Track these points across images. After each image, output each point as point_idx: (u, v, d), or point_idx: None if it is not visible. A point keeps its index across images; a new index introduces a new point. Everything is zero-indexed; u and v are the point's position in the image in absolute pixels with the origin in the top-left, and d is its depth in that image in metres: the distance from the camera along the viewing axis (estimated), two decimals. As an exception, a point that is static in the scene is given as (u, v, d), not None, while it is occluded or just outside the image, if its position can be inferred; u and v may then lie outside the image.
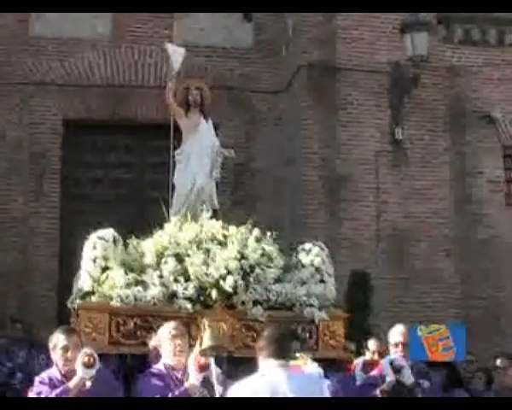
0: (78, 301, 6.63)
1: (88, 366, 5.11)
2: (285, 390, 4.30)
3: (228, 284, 6.53)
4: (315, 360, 5.89)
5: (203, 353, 5.48)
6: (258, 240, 6.94)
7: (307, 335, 6.71)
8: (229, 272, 6.58)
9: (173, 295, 6.53)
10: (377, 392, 5.85)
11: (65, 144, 12.12)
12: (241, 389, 4.40)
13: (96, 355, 5.16)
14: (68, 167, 12.14)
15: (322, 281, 7.11)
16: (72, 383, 5.12)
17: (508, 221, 11.77)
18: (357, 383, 6.37)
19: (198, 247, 6.78)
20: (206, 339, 5.84)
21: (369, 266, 10.85)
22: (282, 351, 4.50)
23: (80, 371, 5.11)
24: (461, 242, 11.58)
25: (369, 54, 11.72)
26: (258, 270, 6.68)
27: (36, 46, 12.19)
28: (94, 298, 6.55)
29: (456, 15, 12.08)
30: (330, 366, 6.42)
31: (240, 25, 12.73)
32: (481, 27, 12.23)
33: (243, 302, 6.62)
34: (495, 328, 11.15)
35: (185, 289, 6.52)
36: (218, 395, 5.24)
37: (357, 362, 6.77)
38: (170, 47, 8.35)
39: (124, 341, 6.44)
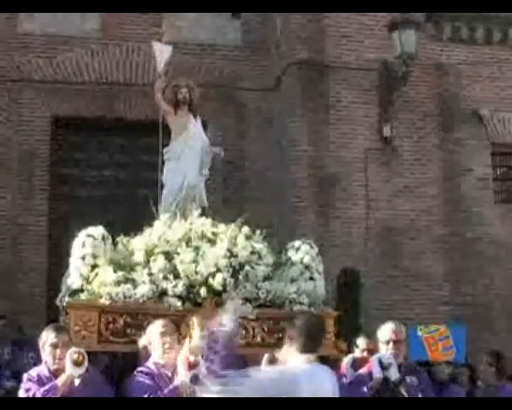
0: (67, 298, 6.61)
1: (77, 364, 5.11)
2: (305, 382, 4.28)
3: (217, 282, 6.50)
4: None
5: (193, 351, 5.48)
6: (247, 238, 6.91)
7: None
8: (218, 270, 6.55)
9: (163, 293, 6.49)
10: (365, 389, 5.87)
11: (54, 142, 12.08)
12: (263, 374, 4.46)
13: (85, 354, 5.16)
14: (57, 166, 12.09)
15: (311, 279, 7.07)
16: (60, 381, 5.12)
17: (497, 219, 11.81)
18: (347, 380, 6.38)
19: (187, 245, 6.77)
20: (196, 338, 5.83)
21: (360, 264, 10.86)
22: (312, 346, 4.49)
23: (69, 369, 5.10)
24: (451, 239, 11.60)
25: (358, 51, 11.74)
26: (247, 267, 6.66)
27: (24, 43, 12.11)
28: (83, 296, 6.51)
29: (444, 13, 12.11)
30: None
31: (229, 22, 12.72)
32: (469, 25, 12.28)
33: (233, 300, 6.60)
34: (486, 325, 11.17)
35: (175, 286, 6.50)
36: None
37: (347, 360, 6.78)
38: (156, 45, 8.32)
39: (113, 339, 6.39)
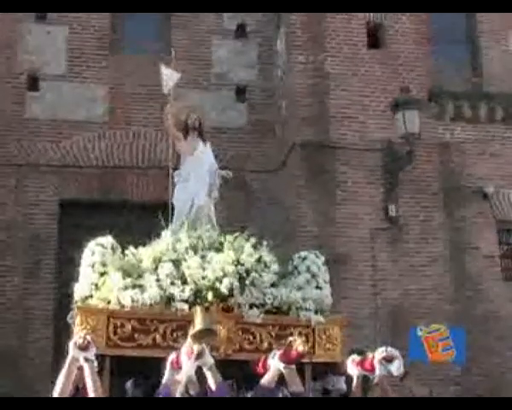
0: (76, 304, 6.67)
1: (81, 348, 5.22)
2: None
3: (224, 286, 6.53)
4: (312, 363, 6.25)
5: (194, 338, 5.41)
6: (254, 247, 6.96)
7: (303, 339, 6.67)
8: (225, 275, 6.58)
9: (170, 298, 6.54)
10: None
11: (60, 225, 12.14)
12: None
13: (89, 339, 5.29)
14: (64, 248, 12.10)
15: (318, 287, 7.14)
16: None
17: (505, 296, 11.73)
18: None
19: (195, 252, 6.81)
20: (197, 323, 5.80)
21: (369, 344, 10.74)
22: None
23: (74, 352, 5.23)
24: (459, 317, 11.50)
25: (362, 132, 11.86)
26: (253, 274, 6.69)
27: (32, 128, 12.31)
28: (92, 301, 6.59)
29: (447, 93, 12.28)
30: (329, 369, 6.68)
31: (233, 105, 12.89)
32: (472, 104, 12.40)
33: (239, 305, 6.63)
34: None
35: (182, 291, 6.52)
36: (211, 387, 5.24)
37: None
38: (164, 69, 8.44)
39: (121, 343, 6.43)
